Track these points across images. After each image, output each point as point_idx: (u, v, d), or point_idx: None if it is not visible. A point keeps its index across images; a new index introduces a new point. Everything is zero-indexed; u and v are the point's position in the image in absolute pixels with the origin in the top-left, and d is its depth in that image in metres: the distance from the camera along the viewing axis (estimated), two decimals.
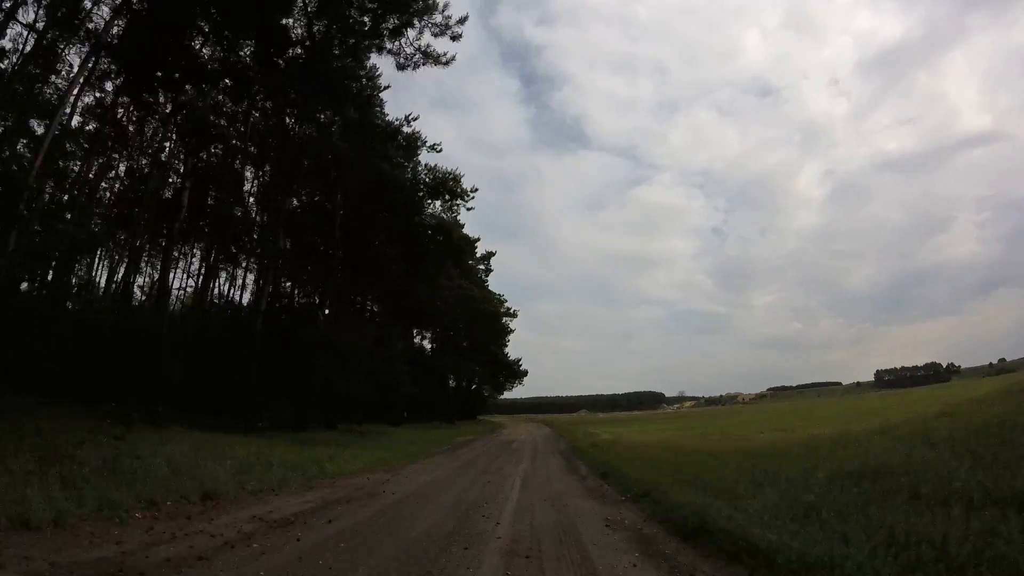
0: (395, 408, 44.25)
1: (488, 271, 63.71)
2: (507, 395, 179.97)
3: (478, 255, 61.29)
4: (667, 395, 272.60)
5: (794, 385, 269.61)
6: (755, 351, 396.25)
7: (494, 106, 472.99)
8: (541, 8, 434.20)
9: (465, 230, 57.79)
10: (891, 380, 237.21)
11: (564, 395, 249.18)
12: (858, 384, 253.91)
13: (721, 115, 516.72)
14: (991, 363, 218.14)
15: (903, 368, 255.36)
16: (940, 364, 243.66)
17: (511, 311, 67.10)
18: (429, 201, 32.92)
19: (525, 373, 77.67)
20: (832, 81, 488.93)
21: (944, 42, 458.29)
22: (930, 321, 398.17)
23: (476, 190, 34.33)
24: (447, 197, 32.93)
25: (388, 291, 33.07)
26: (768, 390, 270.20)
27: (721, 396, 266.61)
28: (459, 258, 44.02)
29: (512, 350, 75.66)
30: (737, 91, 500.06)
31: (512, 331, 71.81)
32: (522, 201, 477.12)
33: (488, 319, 58.12)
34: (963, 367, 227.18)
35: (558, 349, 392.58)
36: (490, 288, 62.01)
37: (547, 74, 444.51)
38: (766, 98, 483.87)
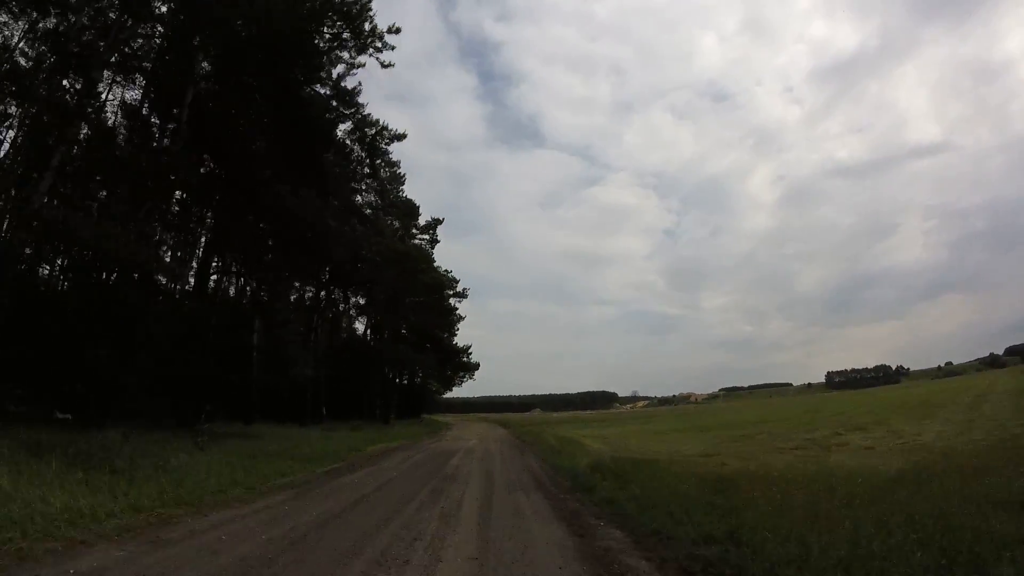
0: (305, 402, 32.10)
1: (434, 242, 52.40)
2: (459, 394, 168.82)
3: (421, 221, 49.14)
4: (620, 395, 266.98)
5: (746, 386, 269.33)
6: (707, 351, 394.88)
7: (451, 102, 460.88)
8: (501, 4, 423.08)
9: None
10: (842, 381, 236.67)
11: (518, 394, 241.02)
12: (809, 385, 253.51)
13: (676, 117, 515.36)
14: (939, 366, 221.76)
15: (853, 370, 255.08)
16: (890, 366, 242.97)
17: (460, 290, 55.49)
18: (325, 55, 19.98)
19: (476, 366, 66.03)
20: (786, 88, 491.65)
21: (897, 53, 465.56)
22: (877, 324, 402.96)
23: (398, 31, 21.55)
24: (346, 36, 20.18)
25: (263, 210, 19.98)
26: (720, 390, 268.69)
27: (674, 396, 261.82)
28: (375, 166, 30.91)
29: (463, 343, 64.27)
30: (693, 94, 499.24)
31: (462, 318, 60.04)
32: (477, 198, 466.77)
33: (432, 293, 45.76)
34: (912, 369, 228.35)
35: (512, 348, 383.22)
36: (437, 264, 50.22)
37: (504, 71, 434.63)
38: (721, 102, 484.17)
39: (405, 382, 57.97)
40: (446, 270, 52.69)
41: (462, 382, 67.22)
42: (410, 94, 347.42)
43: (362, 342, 47.01)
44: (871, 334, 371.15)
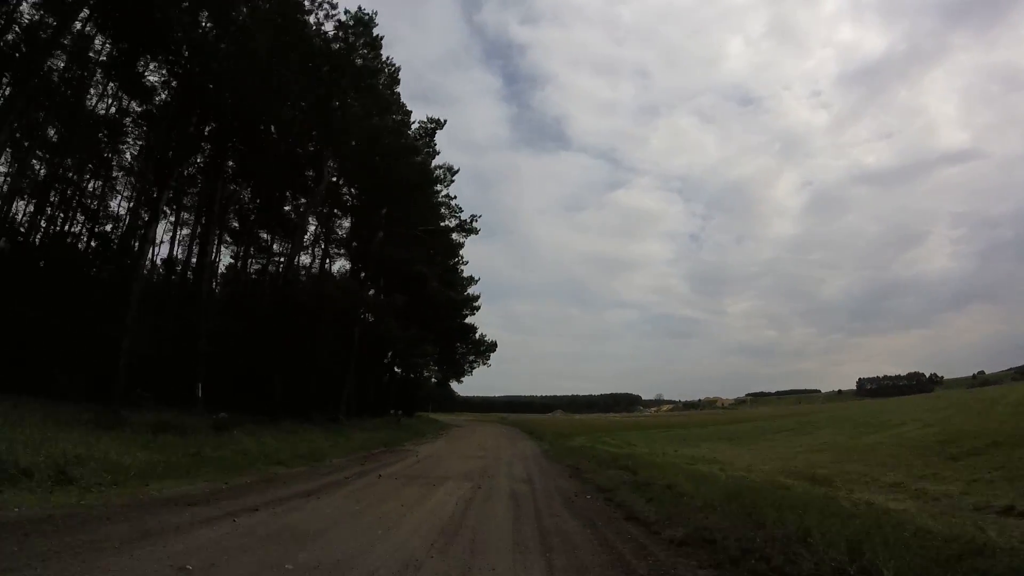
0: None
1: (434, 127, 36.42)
2: (478, 392, 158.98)
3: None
4: (643, 397, 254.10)
5: (773, 391, 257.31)
6: (729, 357, 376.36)
7: (476, 103, 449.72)
8: (526, 6, 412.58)
9: None
10: (873, 389, 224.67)
11: (539, 395, 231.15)
12: (839, 392, 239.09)
13: (702, 121, 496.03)
14: (973, 375, 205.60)
15: (885, 377, 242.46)
16: (923, 374, 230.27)
17: (466, 218, 40.33)
18: None
19: (493, 347, 52.89)
20: (813, 93, 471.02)
21: (926, 58, 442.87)
22: (902, 333, 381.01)
23: None
24: None
25: None
26: (747, 395, 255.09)
27: (699, 400, 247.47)
28: None
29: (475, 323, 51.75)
30: (719, 97, 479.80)
31: (475, 284, 47.14)
32: (500, 200, 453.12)
33: (414, 188, 32.34)
34: (945, 378, 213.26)
35: (533, 349, 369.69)
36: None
37: (529, 73, 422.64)
38: (747, 106, 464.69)
39: (397, 371, 45.53)
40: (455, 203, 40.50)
41: (473, 368, 54.87)
42: (434, 95, 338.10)
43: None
44: (895, 343, 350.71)
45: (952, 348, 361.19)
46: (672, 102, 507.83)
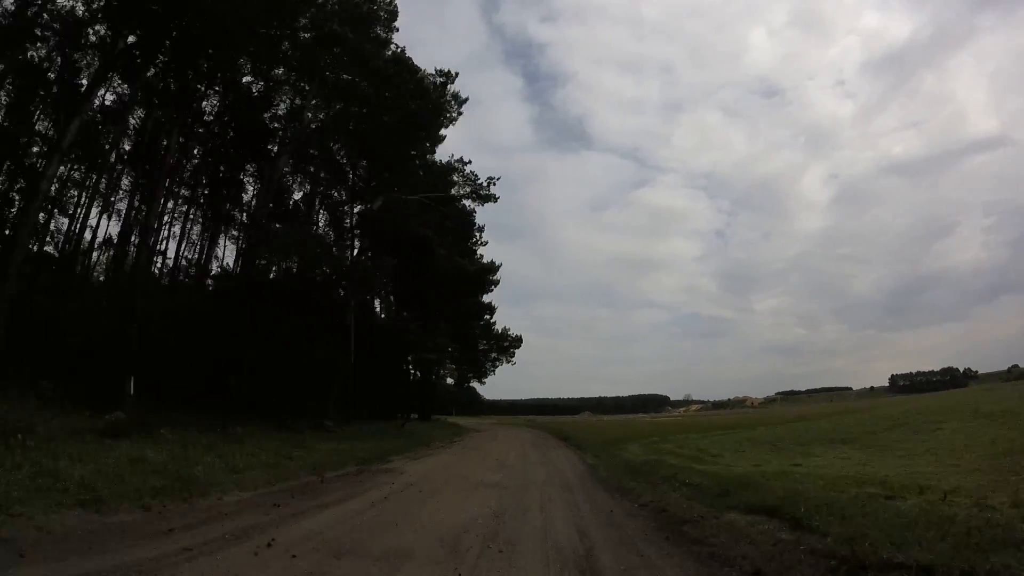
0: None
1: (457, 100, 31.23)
2: (504, 395, 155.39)
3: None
4: (672, 398, 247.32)
5: (803, 390, 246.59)
6: (759, 355, 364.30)
7: (499, 105, 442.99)
8: (546, 4, 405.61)
9: None
10: (906, 385, 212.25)
11: (567, 397, 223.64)
12: (872, 389, 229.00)
13: (726, 116, 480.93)
14: (1008, 369, 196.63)
15: (919, 373, 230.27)
16: (957, 369, 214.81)
17: (486, 187, 33.23)
18: None
19: (518, 342, 46.47)
20: (838, 82, 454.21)
21: (952, 43, 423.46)
22: (934, 327, 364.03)
23: None
24: None
25: None
26: (777, 394, 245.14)
27: (729, 400, 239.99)
28: None
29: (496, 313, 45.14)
30: (743, 91, 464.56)
31: (497, 267, 40.50)
32: (525, 202, 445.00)
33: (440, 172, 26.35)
34: (980, 372, 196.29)
35: (559, 351, 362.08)
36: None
37: (550, 72, 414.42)
38: (772, 99, 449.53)
39: (411, 370, 38.90)
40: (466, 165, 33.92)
41: (496, 365, 48.34)
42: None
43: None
44: (928, 338, 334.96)
45: (984, 342, 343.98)
46: (696, 98, 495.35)
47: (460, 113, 31.42)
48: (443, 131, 31.93)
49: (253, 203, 27.51)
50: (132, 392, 17.69)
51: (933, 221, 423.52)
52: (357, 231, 28.53)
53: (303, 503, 9.04)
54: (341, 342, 27.04)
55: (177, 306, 20.90)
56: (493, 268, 38.75)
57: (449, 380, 47.16)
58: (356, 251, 28.78)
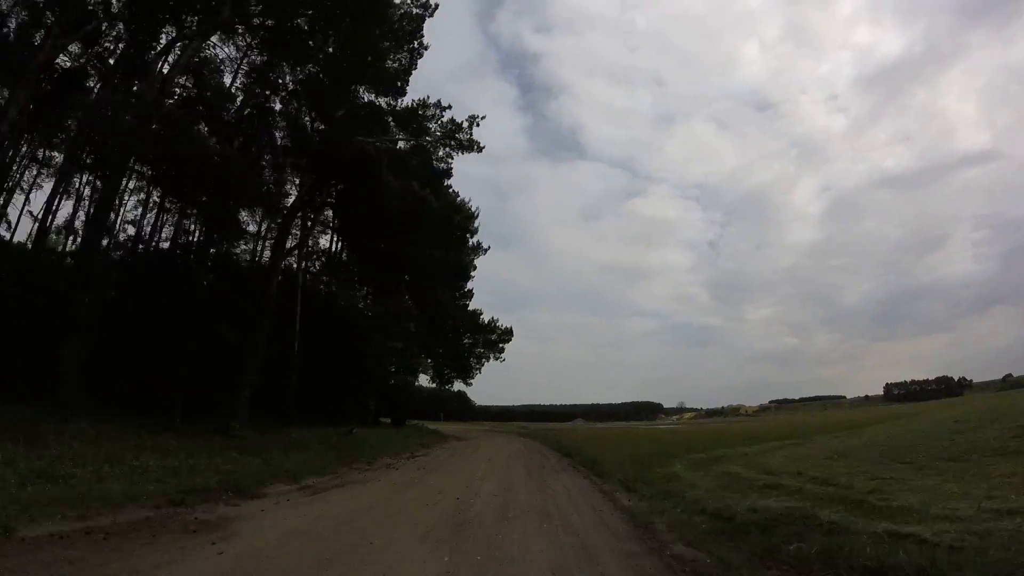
0: None
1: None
2: (496, 402, 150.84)
3: None
4: (665, 405, 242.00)
5: (797, 398, 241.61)
6: (750, 364, 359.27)
7: (492, 113, 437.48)
8: (540, 15, 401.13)
9: None
10: (901, 394, 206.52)
11: (559, 403, 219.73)
12: (866, 397, 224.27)
13: (719, 128, 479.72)
14: (1003, 378, 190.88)
15: (913, 381, 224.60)
16: (952, 378, 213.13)
17: (468, 130, 26.31)
18: None
19: (508, 335, 39.15)
20: (830, 96, 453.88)
21: (943, 58, 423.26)
22: (925, 337, 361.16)
23: None
24: None
25: None
26: (771, 402, 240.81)
27: (723, 408, 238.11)
28: None
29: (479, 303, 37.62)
30: (735, 104, 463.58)
31: (483, 250, 33.09)
32: (517, 210, 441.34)
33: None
34: (975, 381, 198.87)
35: (552, 358, 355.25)
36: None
37: (544, 82, 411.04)
38: (764, 111, 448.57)
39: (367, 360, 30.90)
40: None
41: (482, 362, 40.75)
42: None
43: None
44: (918, 348, 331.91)
45: (977, 352, 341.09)
46: (688, 109, 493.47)
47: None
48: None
49: None
50: None
51: (924, 233, 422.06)
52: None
53: None
54: (259, 317, 19.34)
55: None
56: (467, 211, 30.78)
57: (424, 377, 39.33)
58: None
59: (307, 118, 24.00)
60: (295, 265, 29.87)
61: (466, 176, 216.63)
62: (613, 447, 24.61)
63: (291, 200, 27.13)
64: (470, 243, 34.44)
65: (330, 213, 29.15)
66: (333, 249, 31.71)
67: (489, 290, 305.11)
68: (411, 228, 24.12)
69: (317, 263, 33.48)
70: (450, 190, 30.41)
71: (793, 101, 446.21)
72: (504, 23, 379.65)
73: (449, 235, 27.39)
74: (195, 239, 24.57)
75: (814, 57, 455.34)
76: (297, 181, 25.23)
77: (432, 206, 23.48)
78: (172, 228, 24.53)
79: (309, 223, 26.82)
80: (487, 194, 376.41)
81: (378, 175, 20.76)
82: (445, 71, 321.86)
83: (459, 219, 29.05)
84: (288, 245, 27.63)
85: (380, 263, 27.31)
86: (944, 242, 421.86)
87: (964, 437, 20.04)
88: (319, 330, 27.31)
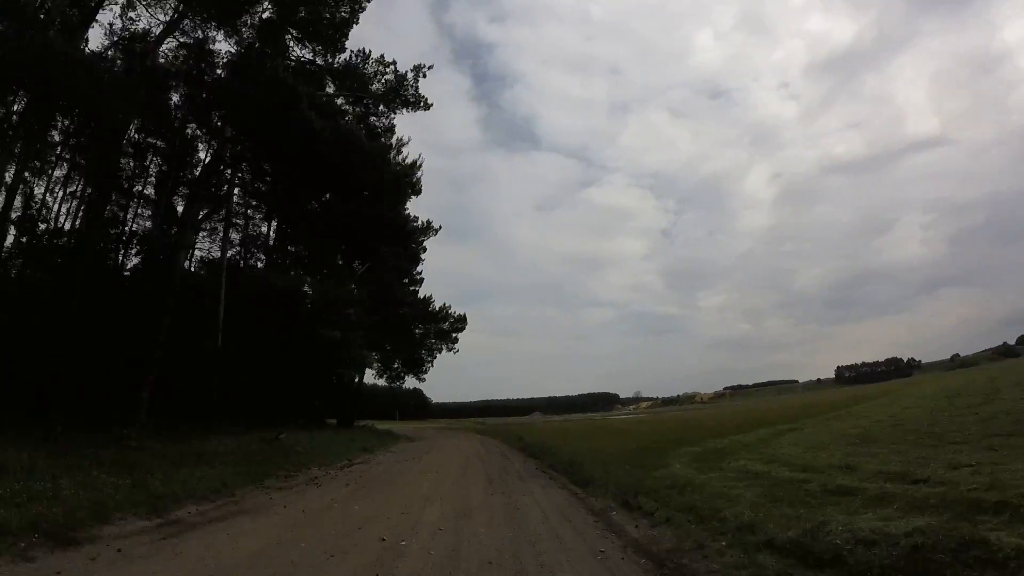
0: None
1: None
2: (451, 398, 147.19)
3: None
4: (622, 396, 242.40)
5: (751, 384, 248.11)
6: (706, 351, 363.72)
7: (447, 105, 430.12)
8: (495, 5, 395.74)
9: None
10: (852, 376, 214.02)
11: (516, 397, 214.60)
12: (819, 381, 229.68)
13: (673, 116, 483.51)
14: (951, 358, 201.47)
15: (864, 364, 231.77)
16: (901, 359, 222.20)
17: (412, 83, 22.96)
18: None
19: (462, 322, 35.57)
20: (783, 83, 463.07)
21: (894, 45, 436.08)
22: (875, 320, 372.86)
23: None
24: None
25: None
26: (726, 389, 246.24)
27: (679, 396, 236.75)
28: None
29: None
30: (689, 92, 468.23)
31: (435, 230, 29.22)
32: (474, 202, 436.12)
33: None
34: (923, 362, 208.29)
35: (511, 351, 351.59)
36: None
37: (498, 72, 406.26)
38: (717, 99, 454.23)
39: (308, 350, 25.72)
40: None
41: (434, 354, 36.98)
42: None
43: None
44: (870, 331, 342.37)
45: (927, 333, 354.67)
46: (643, 98, 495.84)
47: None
48: None
49: None
50: None
51: (874, 218, 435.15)
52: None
53: None
54: (163, 299, 15.22)
55: None
56: (406, 158, 26.72)
57: (371, 372, 35.19)
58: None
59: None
60: (222, 246, 25.44)
61: (427, 170, 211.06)
62: (583, 443, 21.05)
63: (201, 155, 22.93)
64: (412, 209, 30.51)
65: (253, 179, 24.92)
66: (265, 229, 27.31)
67: (447, 283, 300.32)
68: (343, 180, 19.97)
69: (253, 248, 29.18)
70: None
71: (746, 89, 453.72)
72: (458, 13, 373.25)
73: (386, 184, 23.17)
74: (81, 198, 20.03)
75: (767, 45, 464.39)
76: (206, 131, 20.95)
77: (364, 147, 19.33)
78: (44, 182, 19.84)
79: (226, 187, 22.52)
80: (444, 187, 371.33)
81: (297, 108, 16.66)
82: (399, 62, 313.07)
83: (399, 167, 24.88)
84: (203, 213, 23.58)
85: (313, 228, 23.18)
86: (893, 226, 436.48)
87: (984, 410, 17.42)
88: (252, 320, 23.06)
